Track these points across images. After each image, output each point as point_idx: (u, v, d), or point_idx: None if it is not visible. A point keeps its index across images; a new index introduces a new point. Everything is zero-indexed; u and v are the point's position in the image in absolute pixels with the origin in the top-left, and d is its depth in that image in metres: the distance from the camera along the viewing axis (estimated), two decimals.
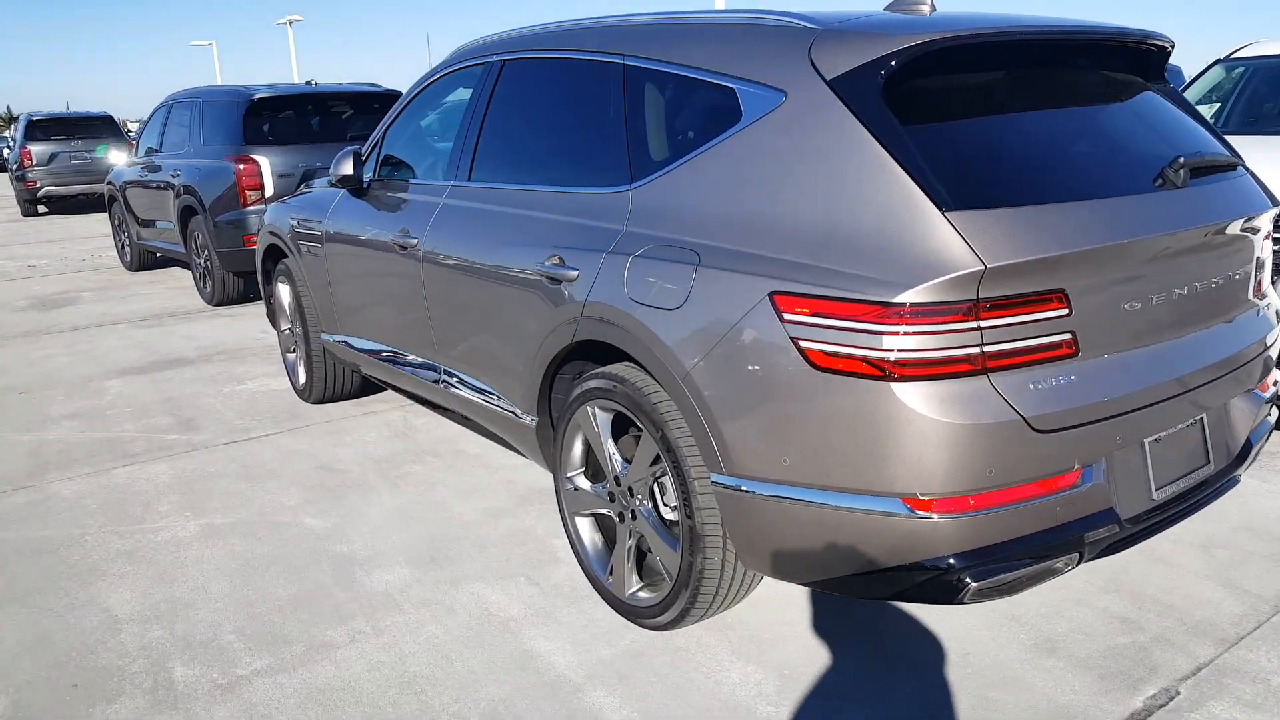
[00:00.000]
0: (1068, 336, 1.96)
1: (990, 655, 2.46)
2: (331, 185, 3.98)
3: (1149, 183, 2.12)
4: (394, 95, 7.84)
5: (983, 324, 1.87)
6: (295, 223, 4.35)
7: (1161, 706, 2.24)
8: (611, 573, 2.66)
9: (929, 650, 2.49)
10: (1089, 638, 2.52)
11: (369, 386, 4.76)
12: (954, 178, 1.91)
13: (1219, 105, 5.01)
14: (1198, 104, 5.20)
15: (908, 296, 1.84)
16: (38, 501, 3.68)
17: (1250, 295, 2.39)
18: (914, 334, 1.86)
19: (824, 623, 2.64)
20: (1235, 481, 2.40)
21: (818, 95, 2.07)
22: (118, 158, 12.53)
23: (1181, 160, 2.14)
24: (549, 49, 2.95)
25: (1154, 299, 2.09)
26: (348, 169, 3.75)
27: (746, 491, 2.14)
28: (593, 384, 2.55)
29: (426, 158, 3.68)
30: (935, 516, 1.92)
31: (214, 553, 3.20)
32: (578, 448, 2.74)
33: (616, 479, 2.58)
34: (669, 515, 2.48)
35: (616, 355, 2.55)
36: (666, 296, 2.25)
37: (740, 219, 2.15)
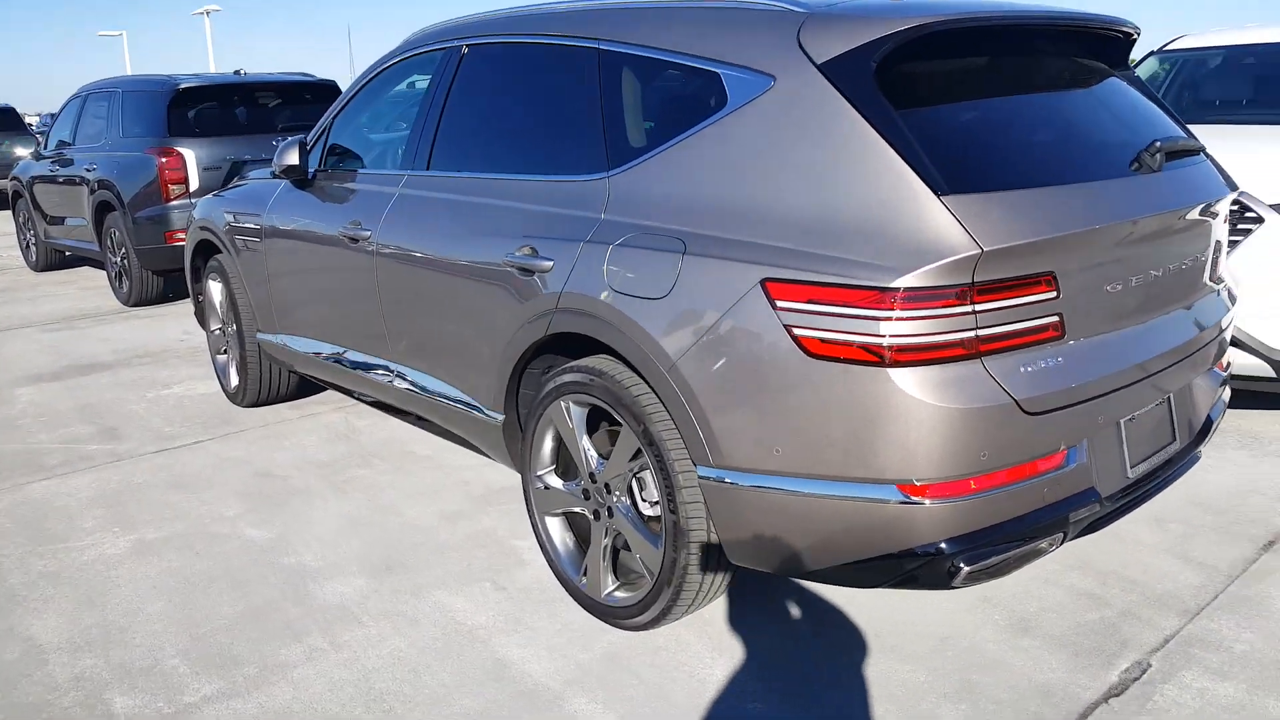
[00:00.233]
0: (1055, 319, 1.97)
1: (968, 638, 2.47)
2: (275, 176, 3.79)
3: (1126, 167, 2.16)
4: (327, 85, 7.59)
5: (977, 308, 1.86)
6: (231, 217, 4.14)
7: (1136, 680, 2.28)
8: (586, 573, 2.59)
9: (908, 636, 2.49)
10: (1060, 616, 2.55)
11: (306, 388, 4.57)
12: (948, 162, 1.90)
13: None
14: None
15: (905, 281, 1.82)
16: None
17: (1209, 278, 2.46)
18: (911, 319, 1.84)
19: (801, 612, 2.61)
20: (1198, 457, 2.47)
21: (808, 80, 2.04)
22: (22, 152, 11.88)
23: (1158, 144, 2.18)
24: (516, 33, 2.85)
25: (1133, 281, 2.13)
26: (293, 159, 3.57)
27: (736, 484, 2.10)
28: (567, 378, 2.47)
29: (379, 147, 3.54)
30: (929, 502, 1.91)
31: (148, 570, 3.00)
32: (548, 444, 2.65)
33: (592, 476, 2.50)
34: (648, 511, 2.42)
35: (591, 348, 2.48)
36: (650, 286, 2.18)
37: (728, 206, 2.11)
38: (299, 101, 7.29)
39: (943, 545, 1.94)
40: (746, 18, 2.23)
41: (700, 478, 2.17)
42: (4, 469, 3.89)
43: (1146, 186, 2.15)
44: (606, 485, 2.46)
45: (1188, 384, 2.39)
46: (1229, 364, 2.67)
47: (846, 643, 2.47)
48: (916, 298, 1.83)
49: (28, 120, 17.59)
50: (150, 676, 2.44)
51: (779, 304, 1.96)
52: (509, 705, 2.28)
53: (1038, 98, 2.25)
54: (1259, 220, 3.41)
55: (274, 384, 4.42)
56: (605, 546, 2.51)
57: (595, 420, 2.53)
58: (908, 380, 1.85)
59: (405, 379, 3.24)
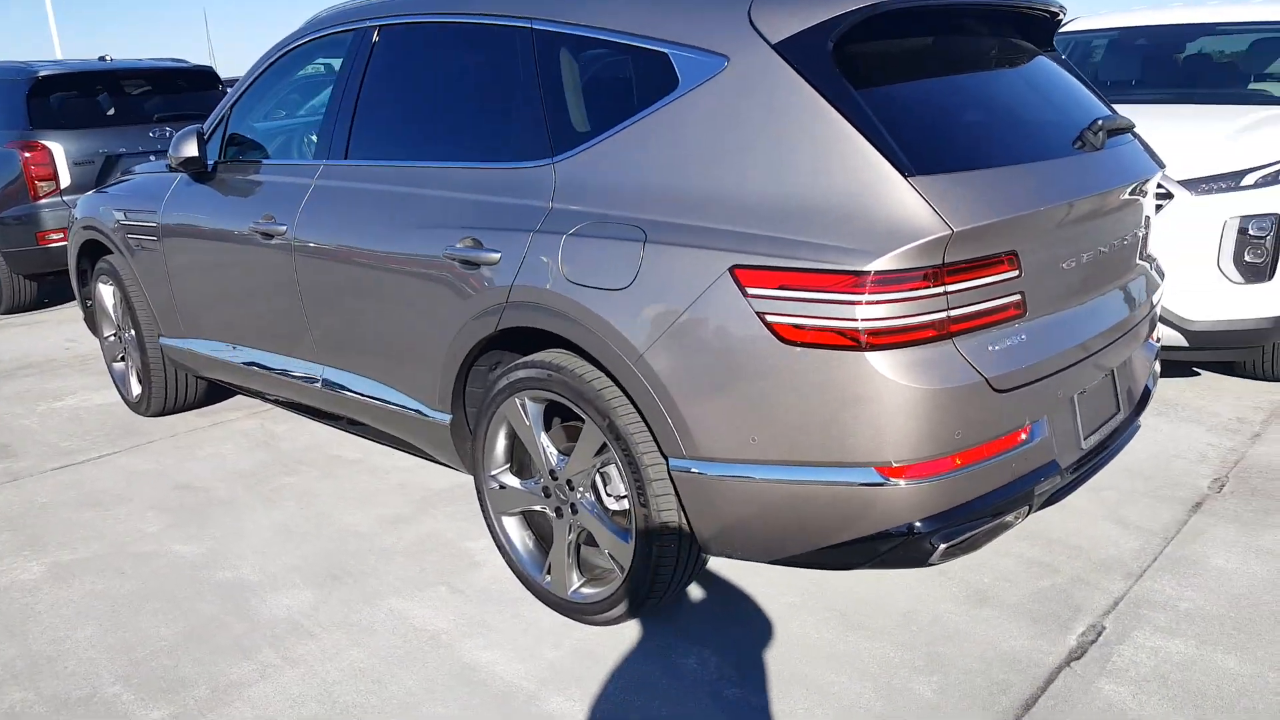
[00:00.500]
0: (1018, 297, 2.01)
1: (929, 611, 2.52)
2: (171, 169, 3.54)
3: (1070, 145, 2.21)
4: (203, 72, 7.15)
5: (948, 288, 1.88)
6: (122, 214, 3.85)
7: (1093, 643, 2.37)
8: (549, 571, 2.52)
9: (873, 613, 2.52)
10: (1014, 585, 2.63)
11: (215, 394, 4.32)
12: (911, 143, 1.90)
13: None
14: None
15: (879, 264, 1.82)
16: None
17: (1141, 255, 2.56)
18: (885, 302, 1.84)
19: (766, 594, 2.61)
20: (1139, 426, 2.58)
21: (763, 60, 2.01)
22: None
23: (1100, 123, 2.24)
24: (435, 12, 2.71)
25: (1084, 258, 2.19)
26: (191, 150, 3.33)
27: (711, 475, 2.07)
28: (522, 374, 2.39)
29: (286, 135, 3.35)
30: (906, 483, 1.92)
31: (70, 595, 2.78)
32: (501, 443, 2.57)
33: (552, 473, 2.43)
34: (614, 506, 2.37)
35: (542, 342, 2.40)
36: (611, 277, 2.12)
37: (689, 192, 2.06)
38: (173, 90, 6.83)
39: (919, 524, 1.96)
40: None
41: (672, 470, 2.13)
42: None
43: (1092, 164, 2.21)
44: (568, 482, 2.40)
45: (1128, 357, 2.48)
46: (1160, 337, 2.79)
47: (816, 623, 2.49)
48: (890, 280, 1.83)
49: None
50: (90, 706, 2.27)
51: (750, 291, 1.93)
52: (483, 709, 2.21)
53: (990, 76, 2.28)
54: (1168, 196, 3.58)
55: (180, 391, 4.16)
56: (569, 543, 2.45)
57: (550, 416, 2.46)
58: (883, 363, 1.86)
59: (333, 381, 3.08)
